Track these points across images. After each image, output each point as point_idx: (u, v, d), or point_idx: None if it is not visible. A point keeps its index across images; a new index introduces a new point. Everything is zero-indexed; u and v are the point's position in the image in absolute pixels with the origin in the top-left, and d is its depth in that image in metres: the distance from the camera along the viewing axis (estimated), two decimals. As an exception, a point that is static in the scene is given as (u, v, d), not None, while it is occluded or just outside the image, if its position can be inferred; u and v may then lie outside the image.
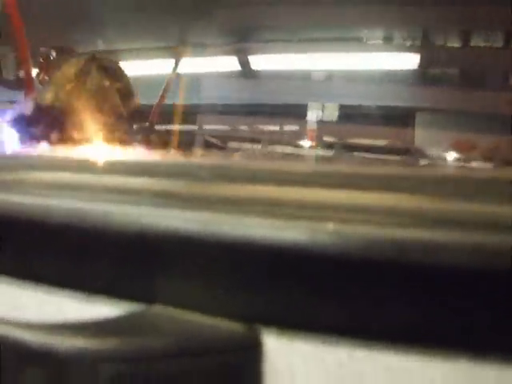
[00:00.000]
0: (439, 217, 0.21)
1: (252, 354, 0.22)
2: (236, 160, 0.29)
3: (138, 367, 0.20)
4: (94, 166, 0.31)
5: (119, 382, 0.20)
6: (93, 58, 1.54)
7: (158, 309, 0.24)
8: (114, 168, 0.30)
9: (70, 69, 1.49)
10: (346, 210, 0.23)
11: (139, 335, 0.22)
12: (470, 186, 0.26)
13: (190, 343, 0.22)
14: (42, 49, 1.82)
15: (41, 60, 1.63)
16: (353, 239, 0.20)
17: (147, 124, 2.82)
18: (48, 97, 1.46)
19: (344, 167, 0.27)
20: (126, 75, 1.58)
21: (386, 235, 0.21)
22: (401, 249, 0.20)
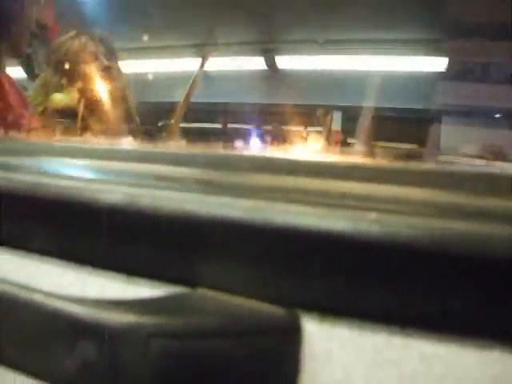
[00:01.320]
0: (474, 210, 0.22)
1: (292, 338, 0.23)
2: (282, 153, 0.30)
3: (186, 343, 0.21)
4: (141, 155, 0.32)
5: (168, 356, 0.21)
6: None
7: (202, 291, 0.24)
8: (160, 158, 0.31)
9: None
10: (387, 201, 0.23)
11: (185, 314, 0.23)
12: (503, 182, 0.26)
13: (233, 324, 0.23)
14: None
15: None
16: (393, 228, 0.21)
17: (172, 121, 2.83)
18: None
19: (384, 162, 0.27)
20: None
21: (425, 225, 0.21)
22: (439, 238, 0.21)
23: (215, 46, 3.55)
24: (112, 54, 1.51)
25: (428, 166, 0.27)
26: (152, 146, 0.37)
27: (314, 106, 3.88)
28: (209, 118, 4.40)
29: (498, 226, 0.21)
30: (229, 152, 0.31)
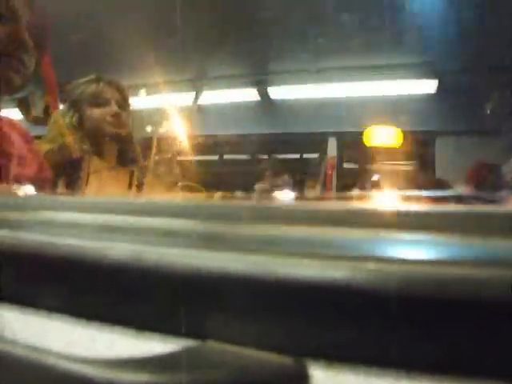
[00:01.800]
0: (478, 253, 0.23)
1: (301, 386, 0.24)
2: (274, 201, 0.31)
3: (199, 400, 0.22)
4: (141, 208, 0.33)
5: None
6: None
7: (211, 344, 0.25)
8: (161, 210, 0.32)
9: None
10: (383, 247, 0.24)
11: (196, 370, 0.23)
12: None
13: (244, 377, 0.23)
14: (68, 86, 1.88)
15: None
16: (392, 277, 0.22)
17: (170, 155, 2.85)
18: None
19: (379, 207, 0.28)
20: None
21: (424, 272, 0.22)
22: (437, 285, 0.22)
23: (207, 79, 3.61)
24: (125, 101, 1.55)
25: (425, 207, 0.28)
26: (153, 197, 0.38)
27: (309, 134, 3.92)
28: (205, 150, 4.44)
29: (501, 270, 0.22)
30: (229, 203, 0.32)
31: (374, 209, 0.28)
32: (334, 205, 0.30)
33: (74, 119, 1.48)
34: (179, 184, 3.21)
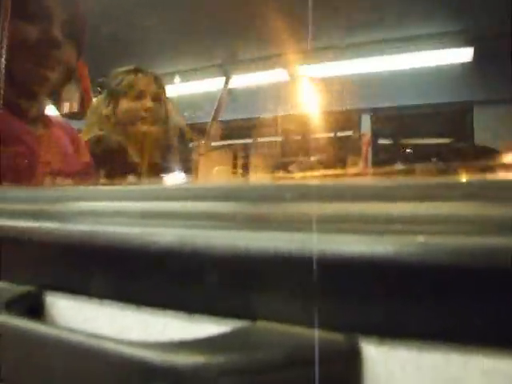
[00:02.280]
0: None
1: (353, 363, 0.24)
2: (318, 179, 0.31)
3: (255, 379, 0.22)
4: (183, 193, 0.34)
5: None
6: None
7: (262, 324, 0.25)
8: (206, 194, 0.32)
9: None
10: (431, 221, 0.24)
11: (250, 350, 0.23)
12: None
13: (297, 355, 0.23)
14: (101, 79, 1.90)
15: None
16: (441, 249, 0.21)
17: (204, 141, 2.86)
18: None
19: (422, 179, 0.28)
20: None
21: (473, 244, 0.22)
22: (487, 256, 0.21)
23: (237, 64, 3.60)
24: (162, 94, 1.56)
25: (466, 177, 0.27)
26: (196, 181, 0.39)
27: (342, 111, 3.87)
28: (241, 134, 4.44)
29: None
30: (271, 183, 0.32)
31: (417, 182, 0.28)
32: (375, 180, 0.29)
33: (109, 109, 1.49)
34: (215, 168, 3.23)
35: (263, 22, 3.22)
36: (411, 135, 4.13)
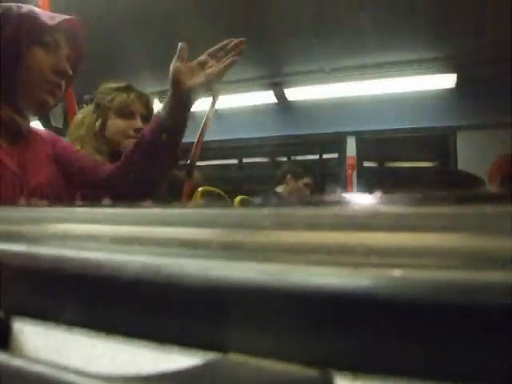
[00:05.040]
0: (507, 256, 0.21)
1: (327, 399, 0.23)
2: (295, 206, 0.30)
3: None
4: (158, 218, 0.33)
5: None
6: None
7: (234, 357, 0.24)
8: (178, 220, 0.31)
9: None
10: (410, 254, 0.23)
11: (219, 383, 0.22)
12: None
13: (268, 391, 0.22)
14: (86, 96, 1.89)
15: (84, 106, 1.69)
16: (419, 284, 0.21)
17: (189, 161, 2.86)
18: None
19: (403, 208, 0.27)
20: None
21: (453, 279, 0.21)
22: (468, 292, 0.20)
23: (223, 84, 3.62)
24: (150, 116, 1.54)
25: (449, 208, 0.27)
26: (170, 206, 0.38)
27: (328, 134, 3.91)
28: (224, 154, 4.45)
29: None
30: (248, 210, 0.32)
31: (400, 211, 0.27)
32: (356, 208, 0.29)
33: (97, 124, 1.47)
34: (200, 189, 3.22)
35: (250, 45, 3.25)
36: (395, 158, 4.18)
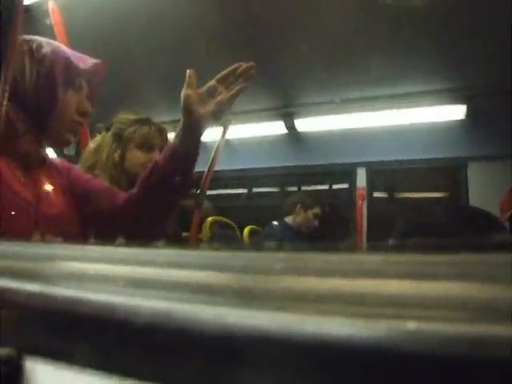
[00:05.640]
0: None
1: None
2: (307, 251, 0.30)
3: None
4: (172, 260, 0.33)
5: None
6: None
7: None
8: (191, 262, 0.31)
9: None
10: (423, 305, 0.23)
11: None
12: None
13: None
14: (98, 125, 1.91)
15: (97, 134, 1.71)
16: (434, 338, 0.21)
17: (199, 191, 2.86)
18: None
19: (414, 255, 0.27)
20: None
21: (468, 333, 0.21)
22: (480, 347, 0.20)
23: (234, 115, 3.66)
24: None
25: (464, 255, 0.27)
26: (184, 247, 0.38)
27: (338, 164, 3.92)
28: (234, 184, 4.47)
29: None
30: (261, 253, 0.32)
31: (411, 258, 0.27)
32: (367, 254, 0.29)
33: (116, 155, 1.48)
34: (209, 219, 3.22)
35: (261, 76, 3.30)
36: (406, 189, 4.16)
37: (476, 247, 0.28)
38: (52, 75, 0.97)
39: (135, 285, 0.31)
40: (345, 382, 0.23)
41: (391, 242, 0.27)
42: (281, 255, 0.30)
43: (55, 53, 1.00)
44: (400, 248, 0.29)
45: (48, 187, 1.03)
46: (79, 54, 1.07)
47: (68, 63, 1.01)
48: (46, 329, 0.35)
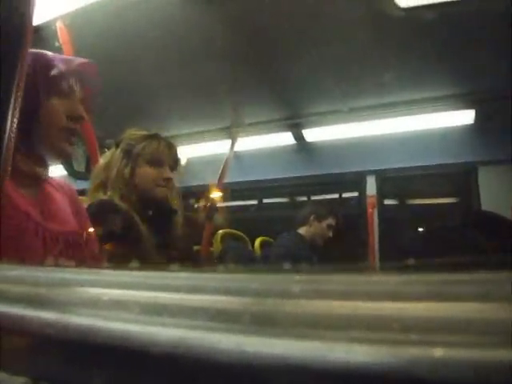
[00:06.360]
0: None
1: None
2: (327, 273, 0.29)
3: None
4: (188, 284, 0.32)
5: None
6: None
7: None
8: (207, 286, 0.31)
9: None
10: (449, 328, 0.22)
11: None
12: None
13: None
14: (108, 141, 1.91)
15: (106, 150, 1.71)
16: (462, 365, 0.20)
17: (209, 204, 2.87)
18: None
19: (437, 275, 0.26)
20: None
21: (495, 359, 0.20)
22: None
23: (243, 126, 3.67)
24: (176, 166, 1.57)
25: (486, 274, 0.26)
26: (199, 270, 0.37)
27: (347, 173, 3.91)
28: (244, 195, 4.47)
29: None
30: (280, 276, 0.31)
31: (434, 278, 0.26)
32: (389, 275, 0.28)
33: (127, 171, 1.48)
34: (220, 231, 3.22)
35: (268, 87, 3.30)
36: (416, 196, 4.14)
37: (498, 264, 0.27)
38: (31, 81, 0.88)
39: (151, 311, 0.30)
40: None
41: (410, 261, 0.26)
42: (298, 277, 0.29)
43: (34, 59, 0.94)
44: (420, 267, 0.28)
45: (56, 208, 1.02)
46: (64, 57, 1.02)
47: (48, 66, 0.95)
48: (61, 358, 0.35)
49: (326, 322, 0.24)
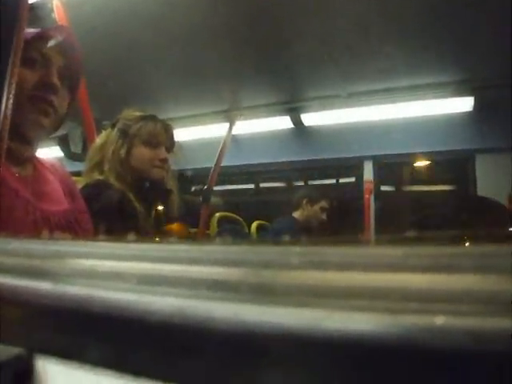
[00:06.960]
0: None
1: None
2: (329, 245, 0.29)
3: None
4: (186, 255, 0.32)
5: None
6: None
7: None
8: (206, 258, 0.30)
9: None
10: (449, 299, 0.22)
11: None
12: None
13: None
14: (105, 122, 1.90)
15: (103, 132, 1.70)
16: (463, 333, 0.20)
17: (206, 186, 2.88)
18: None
19: (436, 247, 0.26)
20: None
21: (495, 327, 0.20)
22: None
23: (240, 110, 3.65)
24: (172, 147, 1.57)
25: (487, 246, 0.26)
26: (197, 242, 0.37)
27: (345, 158, 3.91)
28: (241, 179, 4.47)
29: None
30: (278, 247, 0.31)
31: (434, 251, 0.26)
32: (388, 247, 0.28)
33: (123, 151, 1.47)
34: (216, 214, 3.22)
35: (267, 70, 3.28)
36: (413, 182, 4.14)
37: (496, 238, 0.27)
38: None
39: (147, 282, 0.30)
40: (370, 379, 0.22)
41: (408, 233, 0.26)
42: (298, 249, 0.29)
43: None
44: (418, 240, 0.28)
45: (49, 187, 1.01)
46: (38, 29, 0.97)
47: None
48: (57, 328, 0.34)
49: (326, 292, 0.24)
